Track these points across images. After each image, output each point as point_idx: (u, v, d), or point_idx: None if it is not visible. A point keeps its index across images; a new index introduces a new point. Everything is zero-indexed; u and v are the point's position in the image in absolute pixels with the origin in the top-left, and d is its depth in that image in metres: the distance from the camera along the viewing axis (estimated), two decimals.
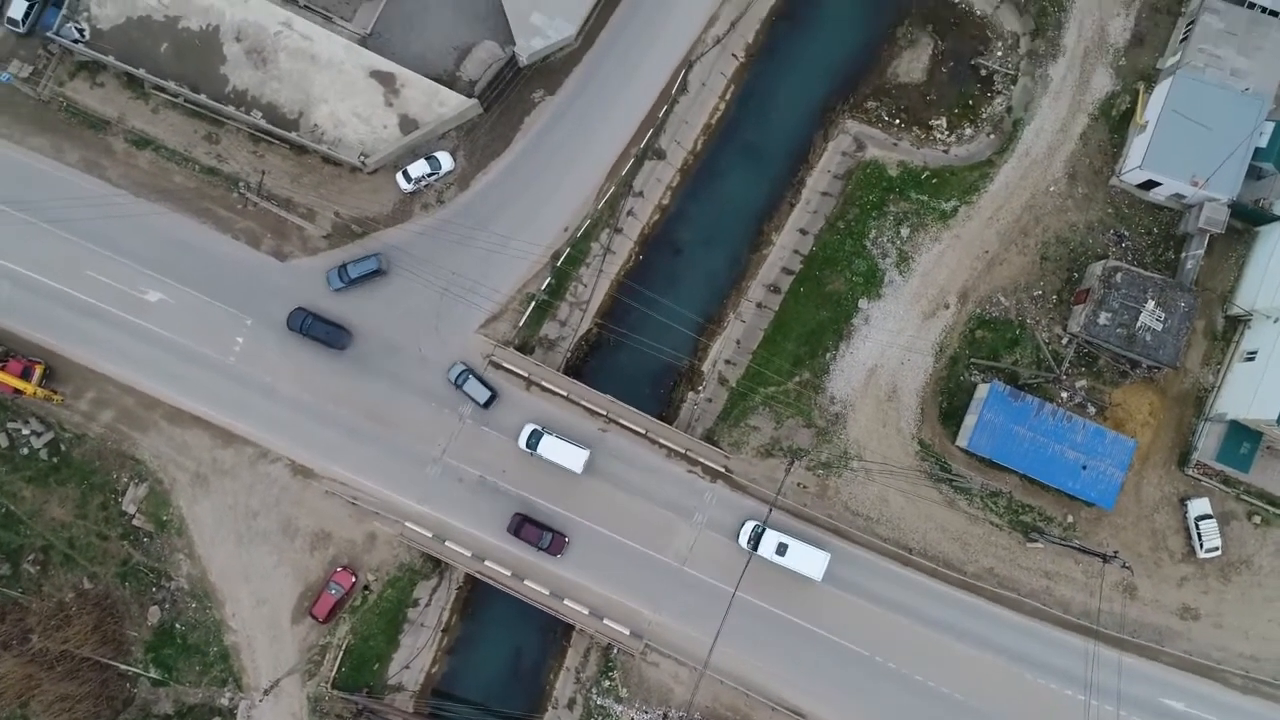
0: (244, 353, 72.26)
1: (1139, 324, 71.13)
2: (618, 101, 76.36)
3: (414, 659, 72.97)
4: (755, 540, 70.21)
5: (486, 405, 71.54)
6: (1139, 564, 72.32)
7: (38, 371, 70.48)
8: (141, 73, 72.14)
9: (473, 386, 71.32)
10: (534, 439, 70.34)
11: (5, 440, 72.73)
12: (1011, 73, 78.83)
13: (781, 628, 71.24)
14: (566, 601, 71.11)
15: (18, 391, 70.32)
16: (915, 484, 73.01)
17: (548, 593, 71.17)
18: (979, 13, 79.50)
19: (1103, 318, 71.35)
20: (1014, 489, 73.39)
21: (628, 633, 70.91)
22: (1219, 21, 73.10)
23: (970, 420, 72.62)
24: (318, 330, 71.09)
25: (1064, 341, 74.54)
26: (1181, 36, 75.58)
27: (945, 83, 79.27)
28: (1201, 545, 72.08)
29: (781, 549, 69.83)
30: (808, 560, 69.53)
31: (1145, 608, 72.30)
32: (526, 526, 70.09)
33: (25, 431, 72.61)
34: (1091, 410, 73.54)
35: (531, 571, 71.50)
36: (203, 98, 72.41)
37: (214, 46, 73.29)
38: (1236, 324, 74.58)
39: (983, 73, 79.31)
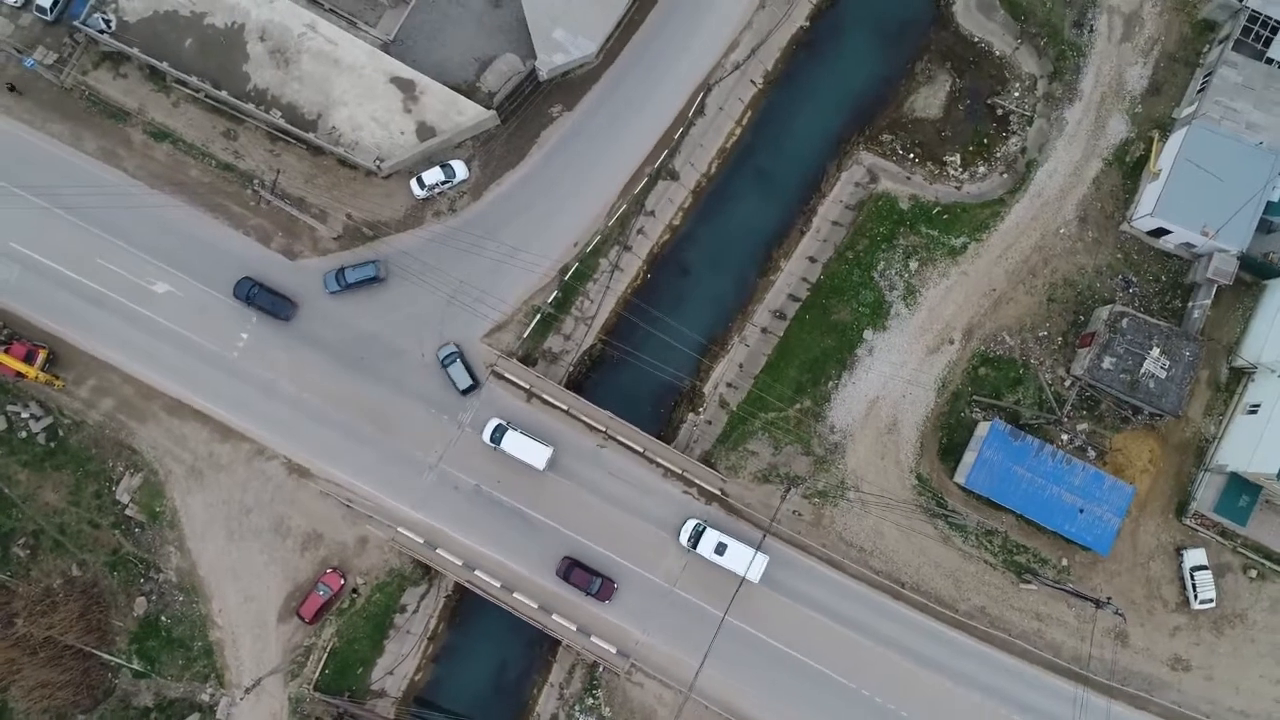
0: (247, 349, 72.39)
1: (1143, 370, 71.04)
2: (634, 121, 76.84)
3: (398, 665, 72.55)
4: (695, 538, 69.99)
5: (465, 393, 71.49)
6: (1132, 611, 71.87)
7: (41, 356, 70.65)
8: (165, 66, 72.74)
9: (457, 371, 71.42)
10: (498, 434, 70.42)
11: (4, 423, 72.77)
12: (1028, 114, 79.21)
13: (769, 655, 70.78)
14: (555, 616, 70.73)
15: (20, 375, 70.45)
16: (911, 518, 72.73)
17: (536, 606, 70.80)
18: (998, 53, 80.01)
19: (1107, 362, 71.28)
20: (1010, 529, 73.09)
21: (614, 651, 70.48)
22: (1236, 75, 73.51)
23: (969, 457, 72.41)
24: (262, 299, 71.39)
25: (1067, 384, 74.43)
26: (1199, 87, 75.97)
27: (961, 120, 79.69)
28: (1196, 596, 71.62)
29: (720, 548, 69.67)
30: (746, 561, 69.23)
31: (1136, 656, 71.78)
32: (576, 571, 69.81)
33: (24, 415, 72.67)
34: (1091, 454, 73.33)
35: (522, 585, 71.29)
36: (224, 94, 72.98)
37: (238, 44, 73.94)
38: (1240, 376, 74.45)
39: (999, 112, 79.70)
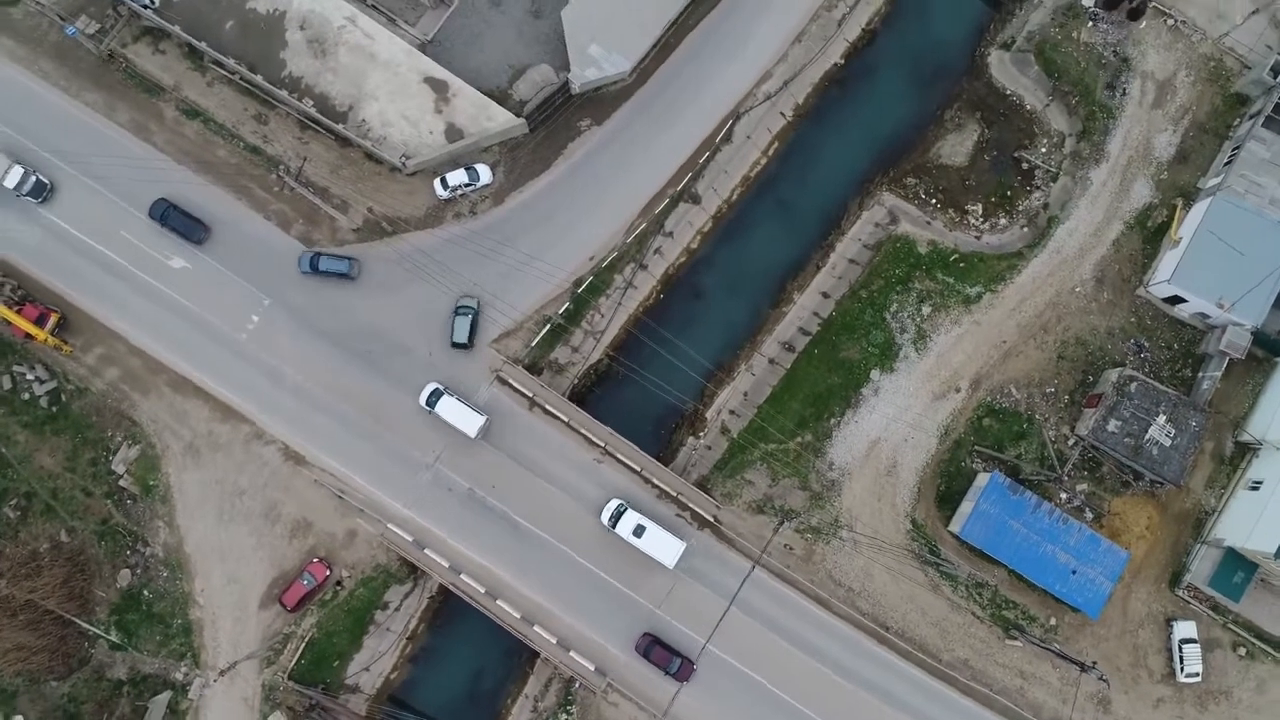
0: (257, 332, 72.64)
1: (1148, 436, 70.70)
2: (661, 141, 77.23)
3: (375, 662, 72.16)
4: (615, 519, 69.84)
5: (454, 346, 72.02)
6: (1117, 678, 71.15)
7: (52, 319, 70.98)
8: (203, 46, 73.49)
9: (461, 324, 71.95)
10: (434, 397, 70.58)
11: (9, 383, 73.03)
12: (1053, 170, 79.38)
13: (747, 686, 70.21)
14: (536, 628, 70.36)
15: (29, 337, 70.77)
16: (902, 563, 72.28)
17: (518, 615, 70.44)
18: (1029, 107, 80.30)
19: (1112, 425, 70.98)
20: (1001, 583, 72.57)
21: (593, 668, 70.00)
22: (1264, 150, 73.61)
23: (966, 507, 72.03)
24: (175, 221, 71.71)
25: (1070, 443, 74.08)
26: (1225, 160, 76.08)
27: (986, 170, 79.88)
28: (1182, 669, 70.89)
29: (639, 530, 69.43)
30: (662, 546, 69.05)
31: None
32: (657, 649, 69.37)
33: (30, 377, 72.94)
34: (1089, 515, 72.88)
35: (503, 591, 71.05)
36: (259, 79, 73.65)
37: (278, 31, 74.71)
38: (1245, 451, 74.03)
39: (1024, 166, 79.89)
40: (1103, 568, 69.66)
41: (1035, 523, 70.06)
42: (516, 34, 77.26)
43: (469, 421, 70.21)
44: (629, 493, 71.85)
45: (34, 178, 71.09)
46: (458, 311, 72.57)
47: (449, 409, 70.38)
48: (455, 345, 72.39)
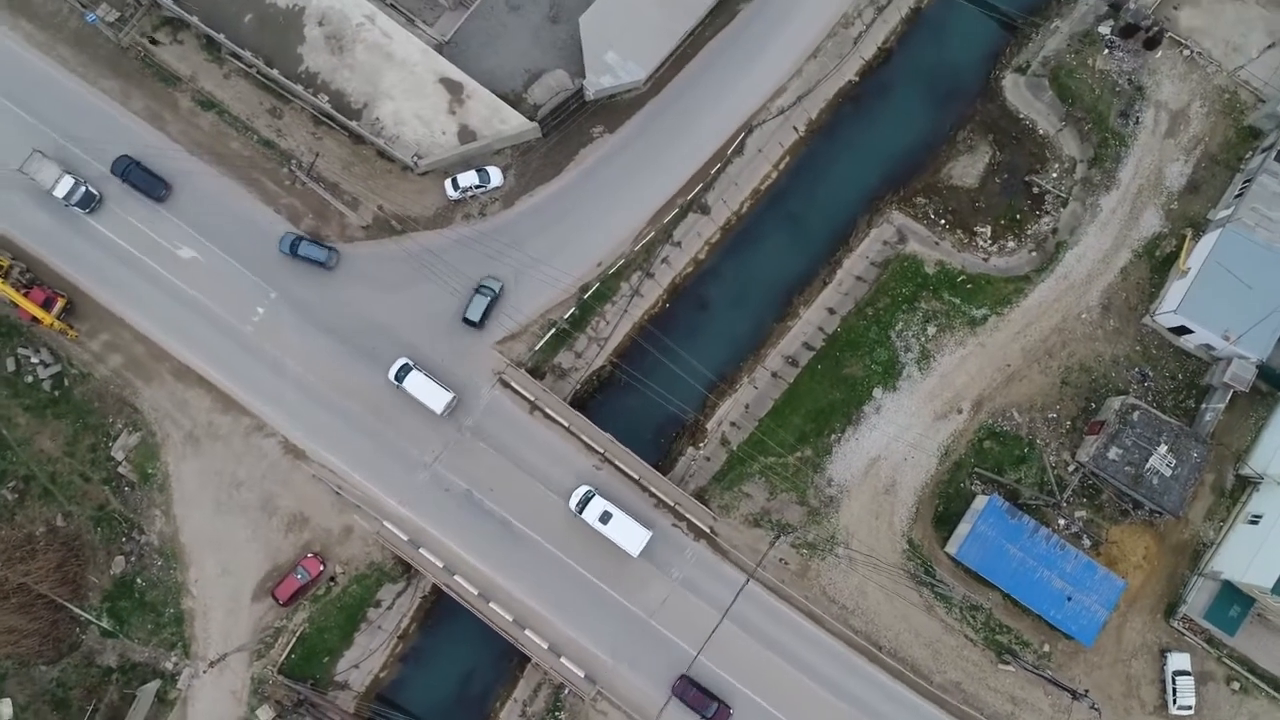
0: (262, 324, 72.76)
1: (1148, 466, 70.49)
2: (673, 151, 77.36)
3: (365, 660, 72.02)
4: (583, 504, 69.88)
5: (465, 321, 72.27)
6: (1108, 707, 70.73)
7: (59, 304, 71.21)
8: (221, 38, 73.86)
9: (478, 303, 71.97)
10: (403, 372, 70.59)
11: (13, 365, 73.22)
12: (1063, 195, 79.37)
13: (736, 700, 69.87)
14: (527, 632, 70.19)
15: (36, 320, 70.98)
16: (897, 582, 72.03)
17: (511, 619, 70.29)
18: (1041, 132, 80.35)
19: (1113, 453, 70.78)
20: (995, 607, 72.29)
21: (583, 675, 69.79)
22: (1276, 184, 73.59)
23: (963, 529, 71.82)
24: (137, 177, 72.11)
25: (1070, 469, 73.88)
26: (1236, 192, 76.02)
27: (996, 193, 79.90)
28: (1175, 701, 70.53)
29: (605, 517, 69.42)
30: (628, 534, 69.05)
31: None
32: (693, 692, 69.10)
33: (34, 360, 73.12)
34: (1086, 543, 72.62)
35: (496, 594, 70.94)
36: (275, 73, 73.97)
37: (296, 26, 75.04)
38: (1246, 485, 73.76)
39: (1035, 190, 79.89)
40: (1098, 595, 69.38)
41: (1032, 547, 69.81)
42: (533, 38, 77.53)
43: (436, 398, 70.14)
44: (597, 480, 71.72)
45: (83, 189, 71.40)
46: (478, 289, 72.68)
47: (416, 384, 70.36)
48: (466, 321, 72.51)
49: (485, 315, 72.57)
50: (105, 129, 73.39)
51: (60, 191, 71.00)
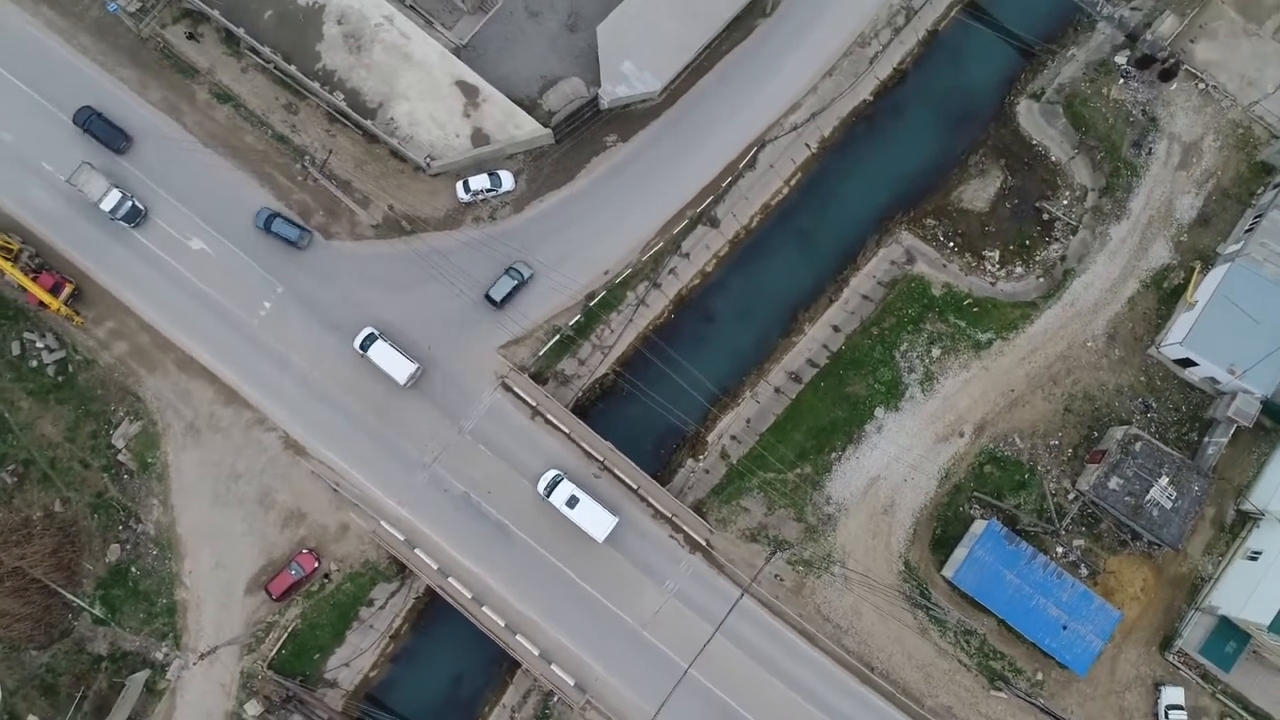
0: (268, 318, 72.91)
1: (1149, 497, 70.24)
2: (685, 163, 77.53)
3: (356, 658, 71.82)
4: (550, 488, 69.90)
5: (486, 297, 72.90)
6: None
7: (67, 289, 71.43)
8: (241, 32, 74.26)
9: (504, 283, 72.56)
10: (368, 341, 70.84)
11: (18, 348, 73.40)
12: (1073, 223, 79.35)
13: (726, 715, 69.54)
14: (519, 637, 69.98)
15: (43, 305, 71.18)
16: (892, 603, 71.73)
17: (503, 624, 70.10)
18: (1054, 159, 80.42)
19: (1114, 482, 70.55)
20: (990, 632, 71.96)
21: (572, 683, 69.52)
22: None
23: (960, 553, 71.55)
24: (98, 128, 72.39)
25: (1070, 497, 73.64)
26: (1247, 227, 75.97)
27: (1006, 218, 79.94)
28: None
29: (573, 501, 69.36)
30: (593, 519, 69.01)
31: None
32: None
33: (39, 345, 73.30)
34: (1084, 572, 72.31)
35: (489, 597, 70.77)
36: (293, 69, 74.33)
37: (315, 24, 75.45)
38: (1246, 520, 73.46)
39: (1045, 216, 79.91)
40: (1094, 625, 69.05)
41: (1029, 574, 69.53)
42: (550, 45, 77.86)
43: (400, 368, 70.47)
44: (566, 464, 71.66)
45: (129, 203, 71.57)
46: (508, 271, 73.30)
47: (381, 354, 70.63)
48: (488, 298, 73.16)
49: (508, 297, 73.01)
50: (123, 120, 73.65)
51: (107, 205, 71.18)
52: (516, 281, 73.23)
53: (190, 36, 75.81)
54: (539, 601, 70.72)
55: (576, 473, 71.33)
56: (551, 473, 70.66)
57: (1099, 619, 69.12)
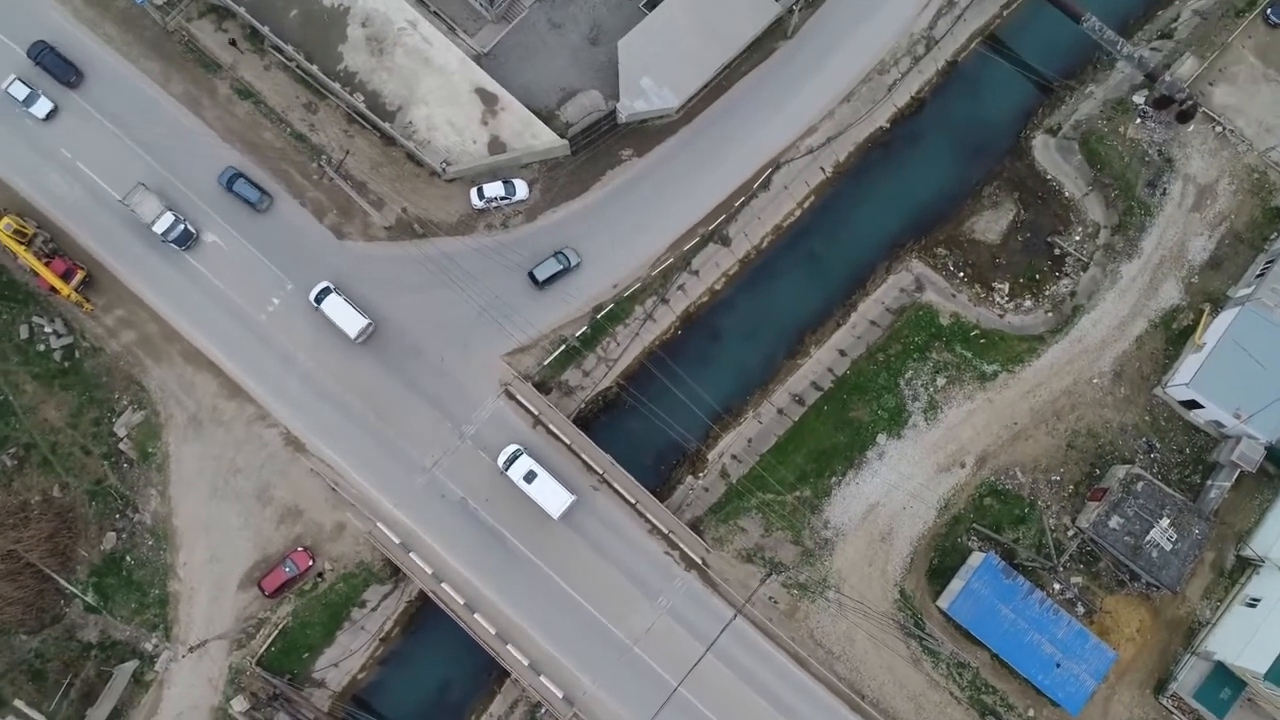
0: (276, 315, 73.10)
1: (1149, 538, 69.87)
2: (699, 181, 77.75)
3: (345, 659, 71.55)
4: (510, 462, 69.78)
5: (530, 276, 73.36)
6: None
7: (78, 276, 71.73)
8: (265, 30, 74.85)
9: (549, 265, 73.91)
10: (322, 294, 71.41)
11: (26, 332, 73.68)
12: (1084, 259, 79.33)
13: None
14: (509, 647, 69.68)
15: (54, 290, 71.50)
16: (885, 631, 71.32)
17: (494, 632, 69.83)
18: (1068, 194, 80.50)
19: (1114, 521, 70.20)
20: (983, 666, 71.47)
21: (561, 695, 69.16)
22: None
23: (957, 584, 71.17)
24: (49, 61, 73.42)
25: (1069, 534, 73.28)
26: (1259, 272, 75.86)
27: (1018, 251, 79.97)
28: None
29: (530, 476, 69.32)
30: (550, 495, 68.96)
31: None
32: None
33: (48, 329, 73.57)
34: (1080, 610, 71.85)
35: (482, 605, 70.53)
36: (315, 68, 74.85)
37: (339, 25, 76.03)
38: (1246, 566, 72.99)
39: (1056, 251, 79.91)
40: (1088, 665, 68.53)
41: (1025, 610, 69.10)
42: (571, 58, 78.30)
43: (351, 322, 70.90)
44: (528, 440, 71.73)
45: (181, 226, 71.86)
46: (555, 254, 74.10)
47: (334, 307, 71.10)
48: (530, 277, 73.98)
49: (550, 280, 73.64)
50: (145, 110, 74.21)
51: (160, 227, 71.44)
52: (563, 266, 73.91)
53: (233, 44, 76.29)
54: (531, 611, 70.47)
55: (538, 449, 71.31)
56: (511, 447, 70.60)
57: (1094, 658, 68.62)
